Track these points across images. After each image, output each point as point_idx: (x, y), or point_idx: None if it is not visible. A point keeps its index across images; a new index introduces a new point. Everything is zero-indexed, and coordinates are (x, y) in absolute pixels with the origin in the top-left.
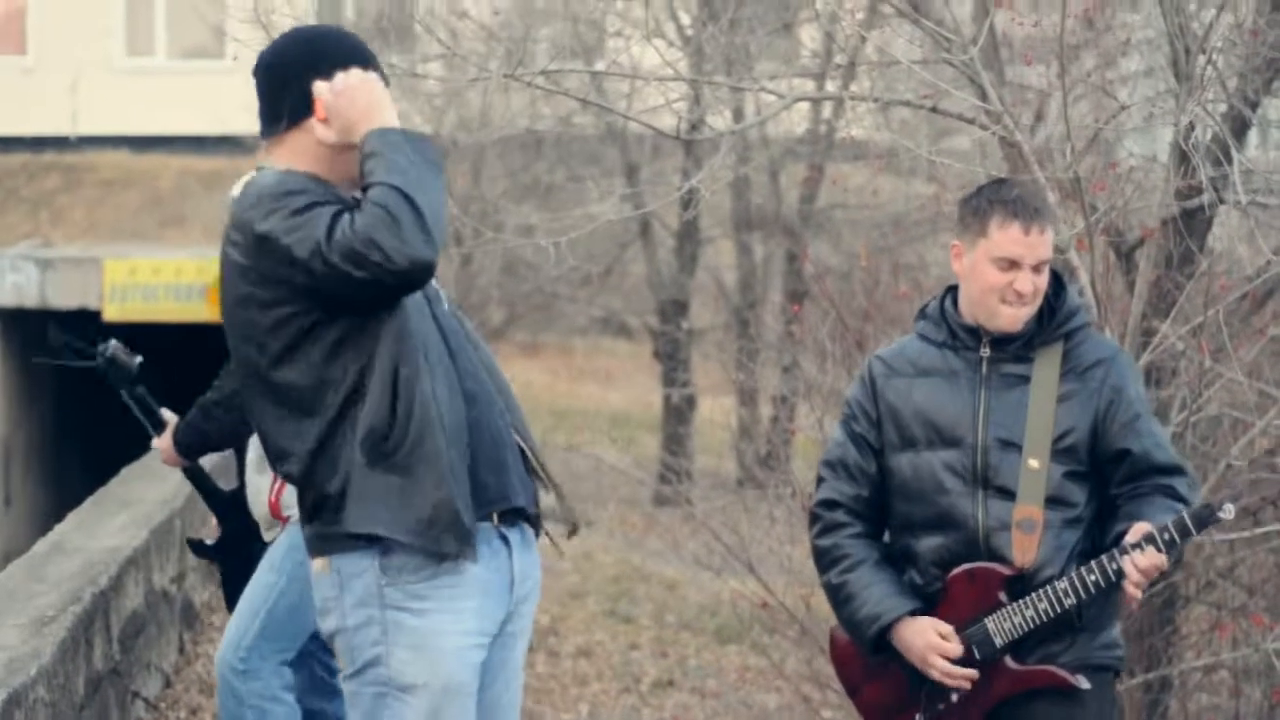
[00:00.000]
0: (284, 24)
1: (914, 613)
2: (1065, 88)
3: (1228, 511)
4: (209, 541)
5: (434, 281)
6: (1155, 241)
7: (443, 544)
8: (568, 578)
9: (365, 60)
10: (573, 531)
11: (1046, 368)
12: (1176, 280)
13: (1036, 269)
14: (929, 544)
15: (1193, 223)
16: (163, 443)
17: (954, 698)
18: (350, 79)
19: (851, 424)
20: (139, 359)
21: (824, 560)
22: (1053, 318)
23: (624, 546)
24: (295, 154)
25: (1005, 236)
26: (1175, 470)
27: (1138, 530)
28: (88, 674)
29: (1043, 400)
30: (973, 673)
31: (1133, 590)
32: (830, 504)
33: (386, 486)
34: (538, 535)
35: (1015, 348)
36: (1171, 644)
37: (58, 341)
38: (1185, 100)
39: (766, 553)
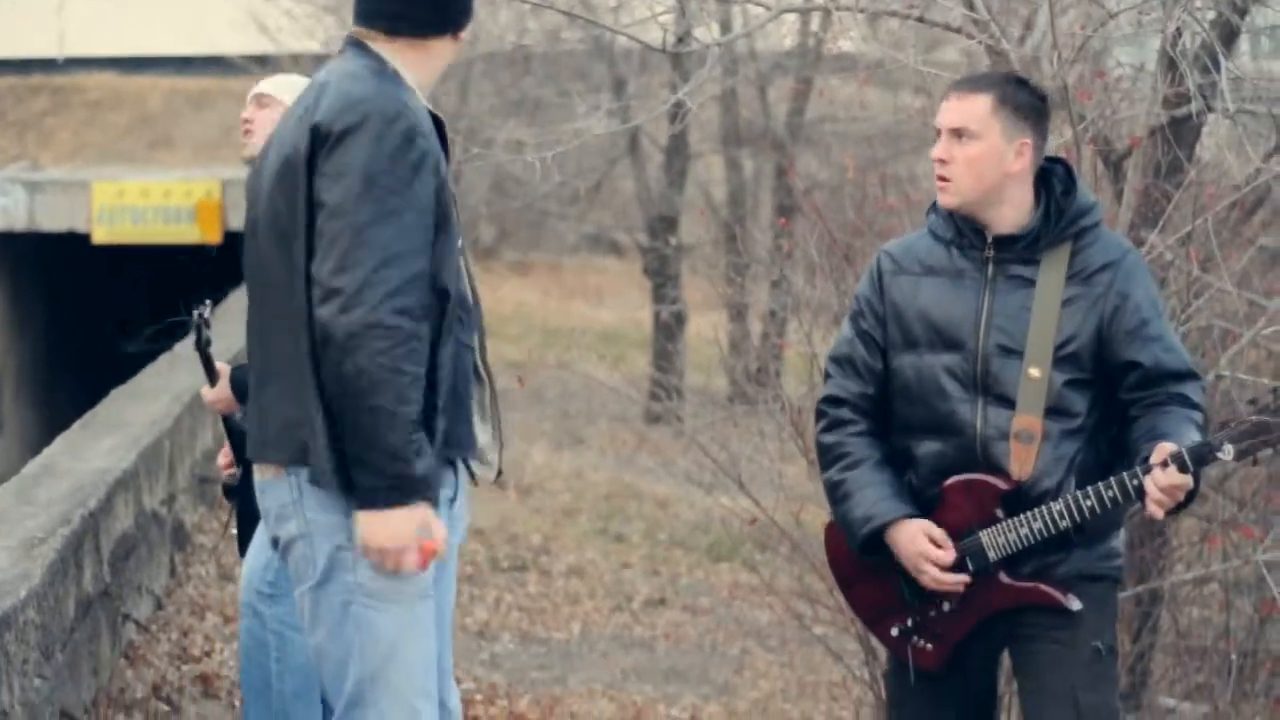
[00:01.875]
0: None
1: (909, 517)
2: None
3: (1226, 452)
4: (233, 483)
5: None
6: (1143, 151)
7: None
8: (559, 496)
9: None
10: (497, 476)
11: (1052, 271)
12: (1165, 189)
13: (957, 135)
14: (928, 449)
15: (1181, 131)
16: (218, 392)
17: (945, 606)
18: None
19: (859, 320)
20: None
21: (826, 457)
22: (1060, 217)
23: (615, 464)
24: (427, 59)
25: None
26: (1187, 375)
27: (1162, 450)
28: (78, 596)
29: (1046, 305)
30: (963, 577)
31: (1153, 508)
32: (835, 400)
33: None
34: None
35: (1020, 248)
36: (1162, 556)
37: (140, 345)
38: (1172, 7)
39: (758, 469)
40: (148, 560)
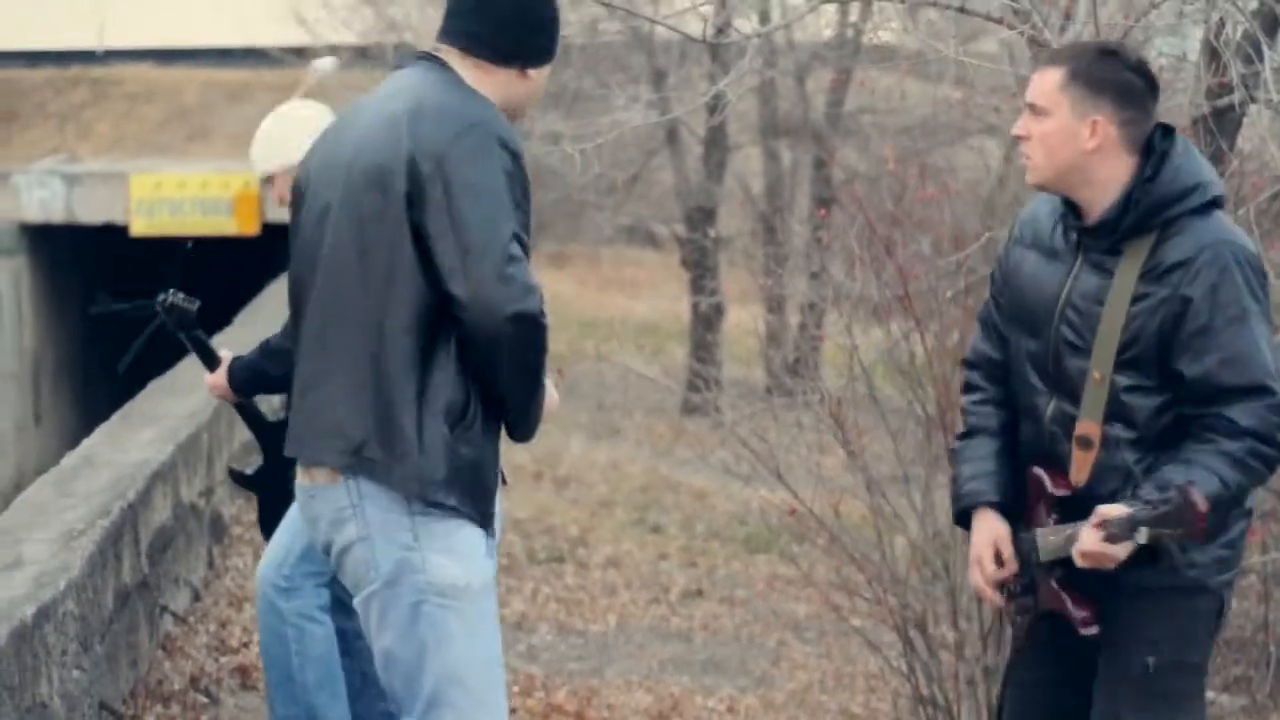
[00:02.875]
0: None
1: (992, 505)
2: None
3: (1141, 535)
4: (249, 471)
5: None
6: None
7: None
8: (596, 488)
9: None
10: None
11: (1131, 264)
12: None
13: (1033, 110)
14: (1024, 428)
15: (1223, 122)
16: (216, 379)
17: (1016, 587)
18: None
19: (993, 283)
20: (198, 303)
21: (961, 418)
22: (1137, 206)
23: (652, 456)
24: (491, 84)
25: None
26: (1248, 392)
27: (1098, 513)
28: (116, 587)
29: (1116, 303)
30: (997, 598)
31: (1076, 558)
32: (969, 363)
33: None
34: None
35: (1102, 237)
36: None
37: (105, 308)
38: None
39: (796, 460)
40: (185, 552)
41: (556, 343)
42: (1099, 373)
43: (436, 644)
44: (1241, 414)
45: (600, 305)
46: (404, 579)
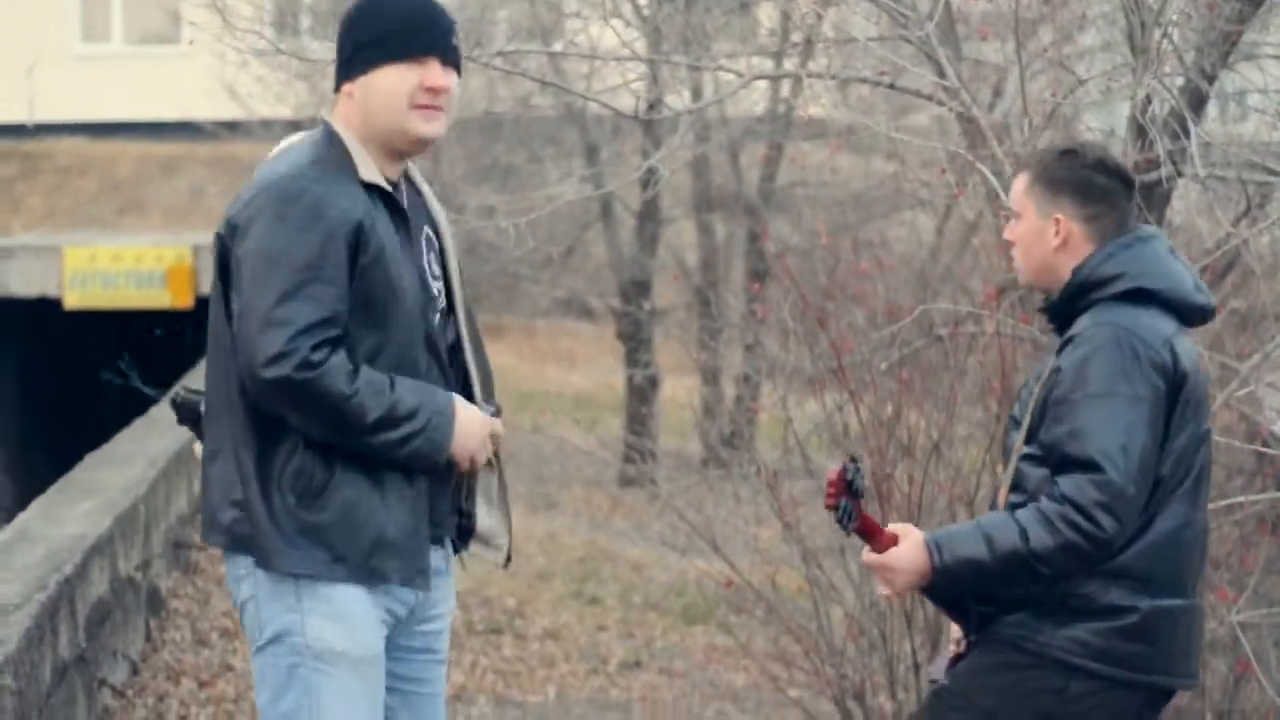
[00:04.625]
0: (239, 8)
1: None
2: (1022, 63)
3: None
4: None
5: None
6: None
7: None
8: (534, 560)
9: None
10: (506, 562)
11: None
12: None
13: (1013, 216)
14: None
15: (1151, 197)
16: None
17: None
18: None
19: None
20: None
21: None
22: (1066, 288)
23: (589, 528)
24: (352, 109)
25: None
26: (1081, 465)
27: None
28: (54, 662)
29: (1042, 380)
30: (942, 664)
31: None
32: None
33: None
34: (457, 552)
35: (1050, 322)
36: None
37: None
38: (1142, 74)
39: (732, 532)
40: (123, 626)
41: None
42: (1018, 443)
43: (309, 708)
44: (1066, 482)
45: (536, 377)
46: (284, 640)
